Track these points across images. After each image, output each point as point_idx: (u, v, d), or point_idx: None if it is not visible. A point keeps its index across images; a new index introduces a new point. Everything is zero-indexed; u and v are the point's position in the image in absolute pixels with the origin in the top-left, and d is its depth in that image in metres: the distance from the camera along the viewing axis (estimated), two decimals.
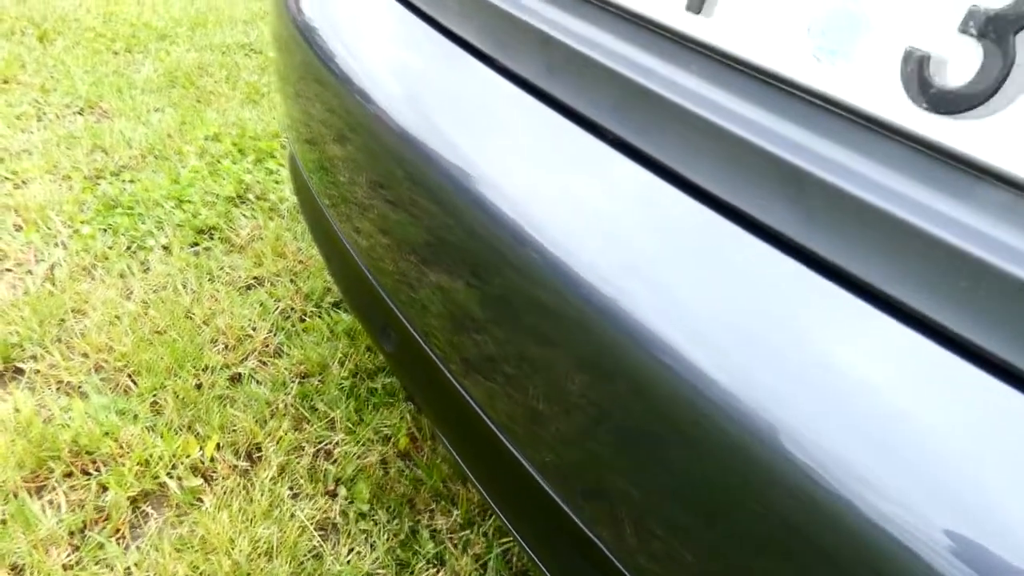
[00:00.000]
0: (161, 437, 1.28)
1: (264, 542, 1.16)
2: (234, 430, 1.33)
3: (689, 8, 0.59)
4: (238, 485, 1.25)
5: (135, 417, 1.32)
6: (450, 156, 0.76)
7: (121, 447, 1.26)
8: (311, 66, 1.05)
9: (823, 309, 0.49)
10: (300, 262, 1.77)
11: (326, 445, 1.35)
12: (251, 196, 1.95)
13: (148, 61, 2.54)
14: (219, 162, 2.04)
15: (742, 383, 0.50)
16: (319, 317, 1.63)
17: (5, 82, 2.28)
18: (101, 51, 2.56)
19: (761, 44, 0.54)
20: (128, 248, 1.70)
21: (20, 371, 1.38)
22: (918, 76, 0.45)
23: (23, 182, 1.84)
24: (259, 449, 1.32)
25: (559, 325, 0.63)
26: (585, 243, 0.62)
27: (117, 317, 1.51)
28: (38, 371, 1.38)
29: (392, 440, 1.38)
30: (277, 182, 2.03)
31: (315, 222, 1.21)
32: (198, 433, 1.32)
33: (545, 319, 0.64)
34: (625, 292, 0.58)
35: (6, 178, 1.84)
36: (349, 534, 1.21)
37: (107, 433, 1.27)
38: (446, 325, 0.82)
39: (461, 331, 0.80)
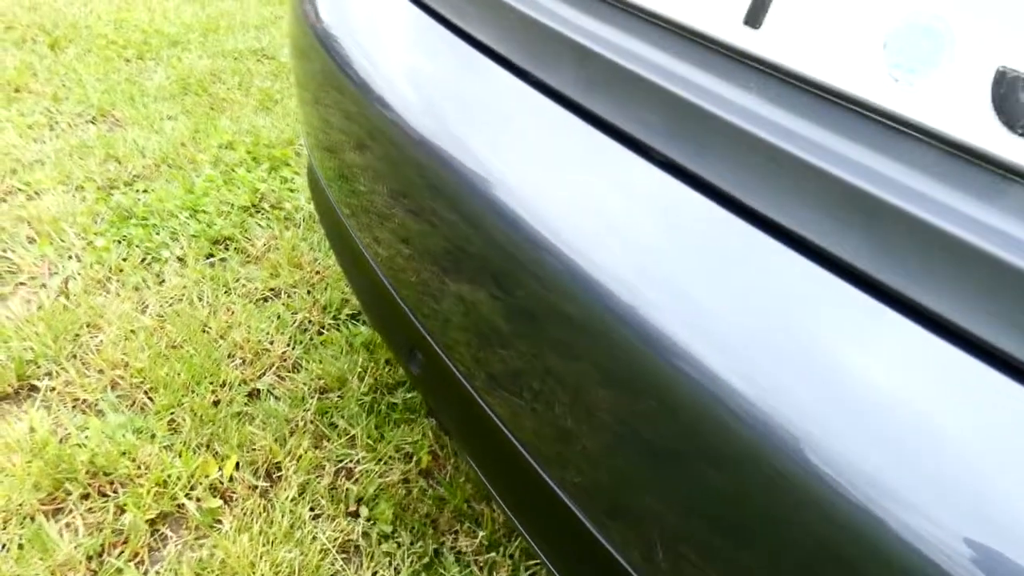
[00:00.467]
0: (179, 456, 1.25)
1: (286, 566, 1.13)
2: (253, 448, 1.31)
3: (747, 22, 0.55)
4: (258, 506, 1.22)
5: (152, 436, 1.29)
6: (478, 169, 0.73)
7: (139, 467, 1.23)
8: (330, 74, 1.02)
9: (898, 348, 0.46)
10: (316, 272, 1.74)
11: (347, 463, 1.32)
12: (266, 205, 1.92)
13: (160, 68, 2.51)
14: (233, 171, 2.02)
15: (793, 414, 0.47)
16: (337, 329, 1.60)
17: (17, 91, 2.26)
18: (113, 58, 2.54)
19: (827, 61, 0.51)
20: (143, 260, 1.67)
21: (35, 389, 1.35)
22: (1012, 98, 0.42)
23: (36, 193, 1.82)
24: (279, 468, 1.29)
25: (596, 346, 0.60)
26: (626, 265, 0.59)
27: (132, 332, 1.49)
28: (53, 388, 1.35)
29: (414, 458, 1.35)
30: (292, 190, 2.01)
31: (336, 236, 1.18)
32: (216, 452, 1.29)
33: (582, 341, 0.61)
34: (675, 321, 0.55)
35: (19, 189, 1.82)
36: (372, 557, 1.18)
37: (124, 453, 1.25)
38: (476, 344, 0.79)
39: (491, 350, 0.76)
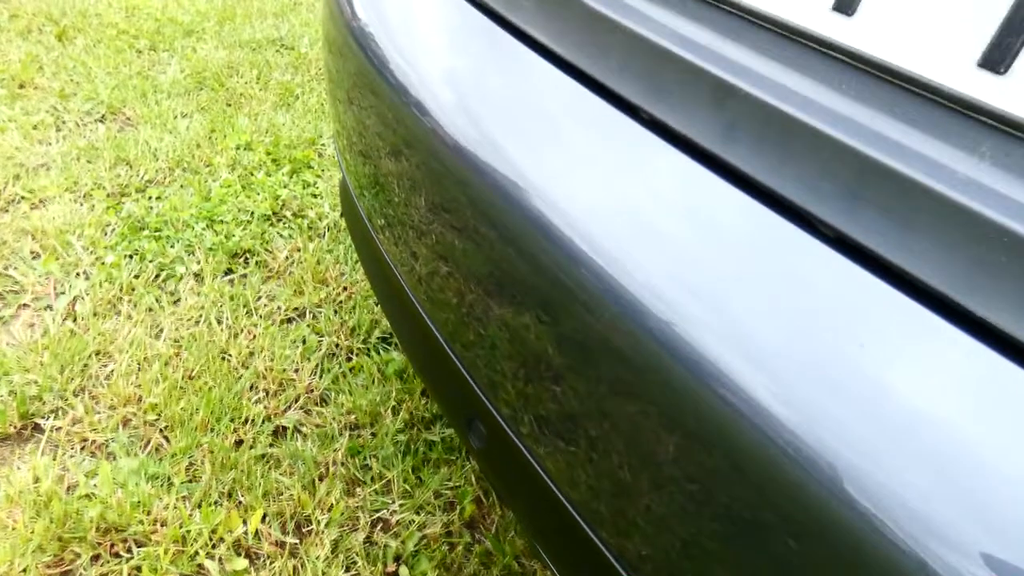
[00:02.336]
0: (199, 510, 1.13)
1: None
2: (280, 497, 1.18)
3: (837, 8, 0.43)
4: (287, 567, 1.09)
5: (169, 483, 1.16)
6: (575, 224, 0.58)
7: (154, 522, 1.11)
8: (376, 79, 0.87)
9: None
10: (343, 289, 1.60)
11: (382, 513, 1.19)
12: (288, 213, 1.78)
13: (174, 60, 2.37)
14: (252, 175, 1.87)
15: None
16: (367, 355, 1.46)
17: (21, 87, 2.12)
18: (124, 50, 2.39)
19: (939, 56, 0.39)
20: (156, 277, 1.54)
21: (40, 429, 1.23)
22: None
23: (41, 202, 1.68)
24: (309, 521, 1.16)
25: (713, 439, 0.46)
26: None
27: (146, 360, 1.36)
28: (59, 428, 1.22)
29: (456, 506, 1.22)
30: (315, 195, 1.86)
31: (379, 278, 1.04)
32: (240, 502, 1.16)
33: (696, 430, 0.47)
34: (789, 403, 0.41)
35: (22, 197, 1.69)
36: None
37: (138, 504, 1.12)
38: (553, 420, 0.65)
39: (574, 428, 0.62)
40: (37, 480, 1.12)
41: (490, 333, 0.71)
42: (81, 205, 1.69)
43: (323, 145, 2.06)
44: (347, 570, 1.10)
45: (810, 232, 0.47)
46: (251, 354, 1.41)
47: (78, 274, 1.52)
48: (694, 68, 0.53)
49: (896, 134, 0.44)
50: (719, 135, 0.53)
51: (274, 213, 1.77)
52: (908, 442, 0.39)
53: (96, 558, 1.06)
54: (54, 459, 1.18)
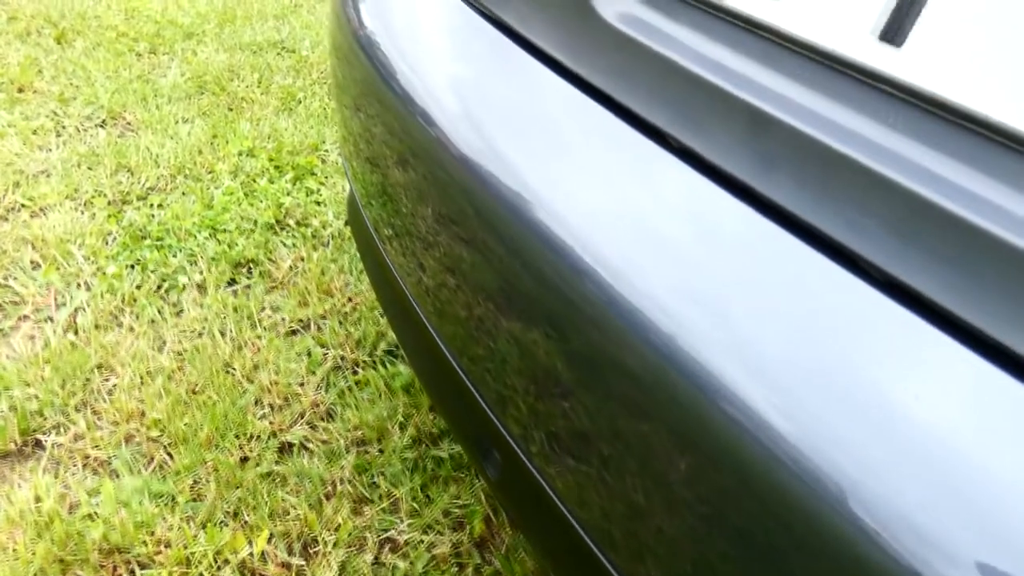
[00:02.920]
0: (204, 530, 1.10)
1: None
2: (286, 517, 1.15)
3: (885, 38, 0.43)
4: None
5: (173, 502, 1.14)
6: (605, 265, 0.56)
7: (158, 543, 1.08)
8: (388, 94, 0.85)
9: None
10: (348, 300, 1.58)
11: (391, 533, 1.17)
12: (291, 222, 1.76)
13: (174, 64, 2.34)
14: (255, 181, 1.85)
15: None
16: (373, 368, 1.44)
17: (21, 90, 2.09)
18: (123, 53, 2.36)
19: (996, 89, 0.36)
20: (158, 288, 1.51)
21: (41, 445, 1.20)
22: None
23: (41, 210, 1.66)
24: (315, 542, 1.13)
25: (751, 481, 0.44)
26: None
27: (149, 374, 1.33)
28: (61, 445, 1.20)
29: (466, 526, 1.20)
30: (318, 203, 1.84)
31: (390, 300, 1.01)
32: (246, 522, 1.14)
33: (734, 471, 0.45)
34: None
35: (23, 205, 1.66)
36: None
37: (142, 525, 1.10)
38: (576, 452, 0.63)
39: (598, 461, 0.60)
40: (38, 500, 1.10)
41: (503, 352, 0.69)
42: (82, 213, 1.66)
43: (326, 151, 2.03)
44: None
45: (852, 271, 0.45)
46: (255, 367, 1.39)
47: (79, 285, 1.49)
48: (729, 96, 0.51)
49: (951, 173, 0.42)
50: (753, 166, 0.51)
51: (277, 221, 1.74)
52: (946, 480, 0.37)
53: None
54: (55, 477, 1.15)
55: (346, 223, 1.78)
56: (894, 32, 0.45)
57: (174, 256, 1.59)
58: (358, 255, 1.66)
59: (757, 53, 0.52)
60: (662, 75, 0.56)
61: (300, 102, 2.24)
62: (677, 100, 0.55)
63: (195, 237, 1.64)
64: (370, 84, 0.89)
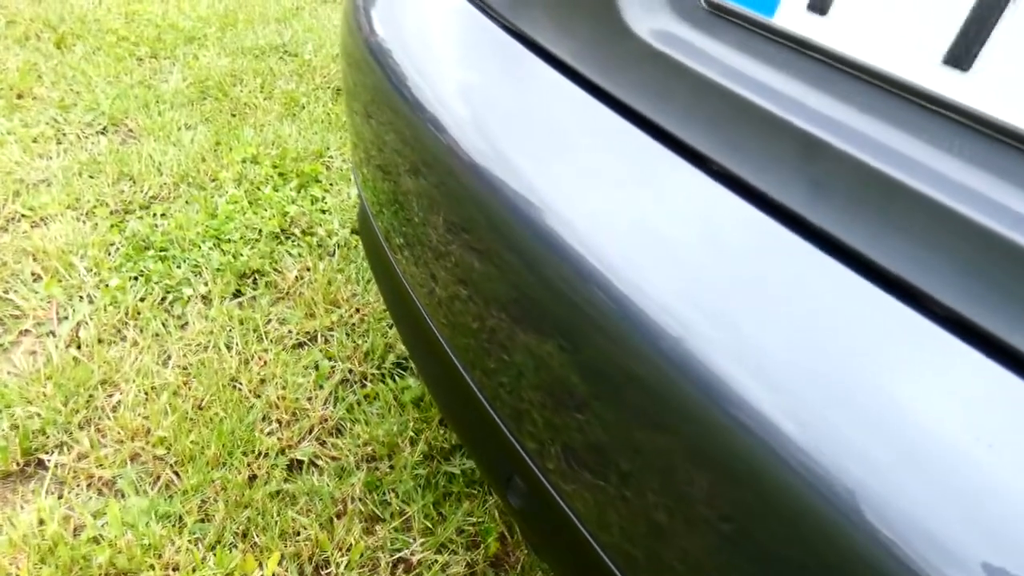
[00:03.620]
0: (213, 553, 1.07)
1: None
2: (297, 537, 1.13)
3: (950, 62, 0.40)
4: None
5: (181, 523, 1.11)
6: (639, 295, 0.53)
7: (166, 567, 1.06)
8: (412, 114, 0.82)
9: None
10: (356, 311, 1.55)
11: (403, 553, 1.14)
12: (296, 231, 1.73)
13: (176, 68, 2.31)
14: (259, 189, 1.82)
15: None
16: (382, 381, 1.41)
17: (20, 96, 2.06)
18: (124, 57, 2.33)
19: None
20: (163, 300, 1.48)
21: (44, 465, 1.17)
22: None
23: (41, 220, 1.63)
24: (327, 563, 1.11)
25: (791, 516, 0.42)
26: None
27: (154, 389, 1.31)
28: (64, 464, 1.17)
29: (480, 544, 1.17)
30: (323, 211, 1.81)
31: (399, 305, 0.99)
32: (255, 544, 1.11)
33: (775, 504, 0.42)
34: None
35: (23, 215, 1.63)
36: None
37: (149, 548, 1.07)
38: (603, 479, 0.60)
39: (626, 489, 0.57)
40: (42, 523, 1.07)
41: (518, 365, 0.66)
42: (84, 223, 1.63)
43: (331, 157, 2.00)
44: None
45: (912, 306, 0.42)
46: (262, 382, 1.36)
47: (81, 297, 1.46)
48: (777, 119, 0.49)
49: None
50: (803, 194, 0.48)
51: (283, 230, 1.72)
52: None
53: None
54: (59, 498, 1.12)
55: (352, 231, 1.75)
56: (960, 55, 0.42)
57: (178, 267, 1.56)
58: (367, 265, 1.63)
59: (805, 74, 0.49)
60: (701, 95, 0.53)
61: (303, 107, 2.21)
62: (718, 122, 0.53)
63: (199, 247, 1.61)
64: (387, 96, 0.86)
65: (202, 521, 1.12)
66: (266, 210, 1.75)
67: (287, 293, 1.57)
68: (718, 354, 0.46)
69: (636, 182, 0.58)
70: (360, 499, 1.20)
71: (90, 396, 1.27)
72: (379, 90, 0.89)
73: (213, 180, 1.83)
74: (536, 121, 0.68)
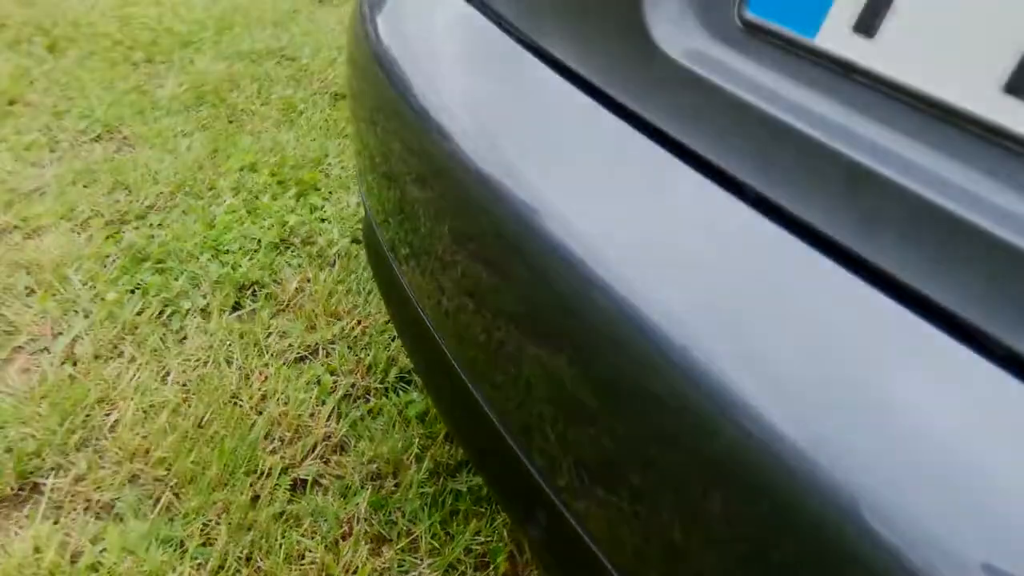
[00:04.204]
0: None
1: None
2: (302, 561, 1.10)
3: (1010, 90, 0.37)
4: None
5: (182, 548, 1.08)
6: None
7: None
8: (420, 127, 0.80)
9: None
10: (358, 323, 1.52)
11: (411, 574, 1.11)
12: (296, 241, 1.69)
13: (171, 74, 2.27)
14: (257, 198, 1.79)
15: None
16: (385, 396, 1.38)
17: (12, 103, 2.02)
18: (119, 62, 2.30)
19: None
20: (160, 314, 1.45)
21: (39, 489, 1.14)
22: None
23: (35, 231, 1.59)
24: None
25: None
26: None
27: (152, 407, 1.27)
28: (61, 487, 1.14)
29: (489, 564, 1.14)
30: (323, 220, 1.78)
31: (406, 324, 0.96)
32: (260, 568, 1.08)
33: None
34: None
35: (15, 227, 1.59)
36: None
37: (149, 574, 1.04)
38: (629, 517, 0.57)
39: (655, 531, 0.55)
40: (38, 550, 1.04)
41: (528, 379, 0.63)
42: (78, 235, 1.60)
43: (329, 165, 1.97)
44: None
45: (977, 350, 0.40)
46: (264, 398, 1.33)
47: (77, 311, 1.43)
48: (820, 146, 0.46)
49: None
50: (851, 226, 0.45)
51: (282, 240, 1.68)
52: None
53: None
54: (56, 523, 1.09)
55: (352, 241, 1.72)
56: (1022, 83, 0.39)
57: (176, 279, 1.52)
58: (369, 276, 1.60)
59: (851, 98, 0.46)
60: (737, 118, 0.51)
61: (301, 113, 2.18)
62: (755, 146, 0.50)
63: (197, 259, 1.58)
64: (394, 105, 0.84)
65: (204, 545, 1.09)
66: (265, 220, 1.72)
67: (287, 305, 1.53)
68: (769, 399, 0.44)
69: (656, 196, 0.55)
70: (366, 519, 1.17)
71: (87, 415, 1.24)
72: (386, 99, 0.86)
73: (210, 189, 1.80)
74: (551, 136, 0.66)
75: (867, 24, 0.45)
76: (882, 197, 0.44)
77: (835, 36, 0.46)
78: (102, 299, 1.45)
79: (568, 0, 0.67)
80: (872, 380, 0.42)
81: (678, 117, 0.55)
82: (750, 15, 0.51)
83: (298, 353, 1.44)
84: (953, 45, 0.42)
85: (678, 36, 0.54)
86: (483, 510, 1.22)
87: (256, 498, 1.17)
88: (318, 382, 1.38)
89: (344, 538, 1.14)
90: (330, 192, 1.87)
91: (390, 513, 1.19)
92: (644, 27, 0.56)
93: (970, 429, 0.39)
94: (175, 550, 1.08)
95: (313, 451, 1.27)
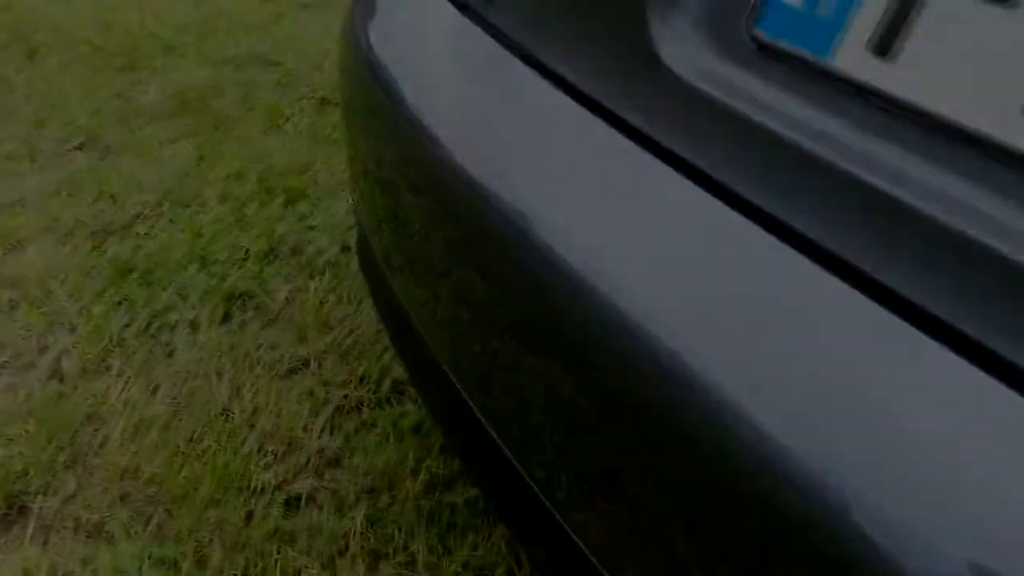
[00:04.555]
0: None
1: None
2: None
3: None
4: None
5: (176, 568, 1.06)
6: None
7: None
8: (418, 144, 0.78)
9: None
10: (349, 333, 1.50)
11: None
12: (285, 249, 1.67)
13: (154, 80, 2.24)
14: (245, 207, 1.76)
15: None
16: (379, 407, 1.37)
17: None
18: (100, 69, 2.26)
19: None
20: (148, 327, 1.43)
21: (27, 510, 1.11)
22: None
23: (17, 243, 1.56)
24: None
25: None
26: None
27: (142, 423, 1.25)
28: (50, 508, 1.11)
29: None
30: (311, 228, 1.76)
31: (400, 334, 0.95)
32: None
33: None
34: None
35: None
36: None
37: None
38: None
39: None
40: (27, 574, 1.02)
41: (528, 396, 0.62)
42: (62, 246, 1.57)
43: (317, 172, 1.95)
44: None
45: (1009, 383, 0.39)
46: (255, 411, 1.31)
47: (62, 325, 1.40)
48: (836, 169, 0.45)
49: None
50: (867, 249, 0.45)
51: (271, 249, 1.66)
52: None
53: None
54: (44, 545, 1.07)
55: (342, 248, 1.71)
56: None
57: (163, 291, 1.50)
58: (360, 284, 1.58)
59: (867, 121, 0.46)
60: (747, 140, 0.50)
61: (288, 119, 2.16)
62: (767, 169, 0.49)
63: (185, 270, 1.55)
64: (388, 114, 0.82)
65: (198, 565, 1.07)
66: (253, 229, 1.70)
67: (278, 316, 1.51)
68: (787, 428, 0.43)
69: (657, 213, 0.55)
70: (362, 534, 1.16)
71: (75, 433, 1.22)
72: (378, 107, 0.85)
73: (196, 197, 1.78)
74: (547, 148, 0.65)
75: (884, 45, 0.44)
76: (898, 221, 0.43)
77: (851, 57, 0.46)
78: (88, 312, 1.42)
79: (570, 14, 0.66)
80: (894, 403, 0.41)
81: (685, 136, 0.54)
82: (761, 34, 0.50)
83: (290, 365, 1.42)
84: (973, 67, 0.41)
85: (686, 54, 0.53)
86: (480, 523, 1.21)
87: (250, 515, 1.15)
88: (311, 394, 1.36)
89: (340, 554, 1.13)
90: (319, 199, 1.85)
91: (386, 527, 1.17)
92: (651, 44, 0.55)
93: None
94: (168, 570, 1.06)
95: (307, 466, 1.25)
